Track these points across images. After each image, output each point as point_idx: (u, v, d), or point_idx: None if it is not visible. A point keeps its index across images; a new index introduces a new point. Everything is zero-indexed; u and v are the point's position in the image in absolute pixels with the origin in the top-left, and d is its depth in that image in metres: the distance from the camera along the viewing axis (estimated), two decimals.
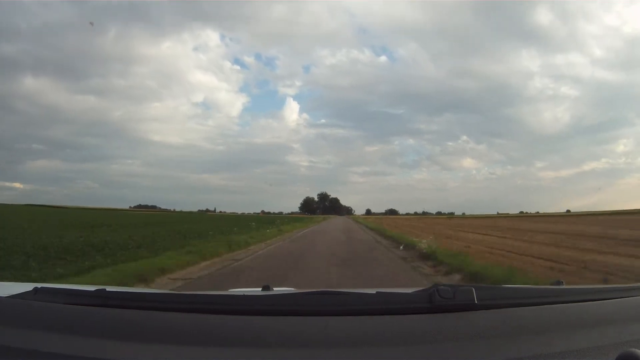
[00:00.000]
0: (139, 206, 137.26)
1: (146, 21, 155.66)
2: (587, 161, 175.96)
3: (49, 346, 0.77)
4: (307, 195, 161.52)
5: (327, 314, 0.91)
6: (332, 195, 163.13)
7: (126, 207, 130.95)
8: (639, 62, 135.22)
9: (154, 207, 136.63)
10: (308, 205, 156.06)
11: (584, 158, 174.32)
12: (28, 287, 1.03)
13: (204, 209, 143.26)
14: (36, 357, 0.75)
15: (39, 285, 1.04)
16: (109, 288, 1.09)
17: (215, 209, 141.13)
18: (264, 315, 0.91)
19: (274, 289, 1.35)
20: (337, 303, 0.97)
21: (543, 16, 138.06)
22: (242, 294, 1.08)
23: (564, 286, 1.22)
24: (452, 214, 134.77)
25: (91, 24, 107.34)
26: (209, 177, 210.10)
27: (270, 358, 0.76)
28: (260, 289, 1.36)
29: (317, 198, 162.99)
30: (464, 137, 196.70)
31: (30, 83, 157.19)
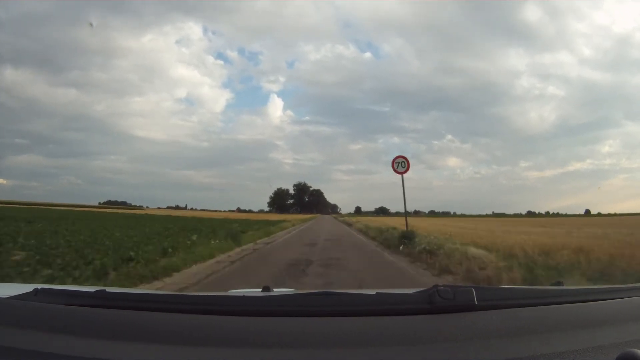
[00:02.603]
0: (108, 202, 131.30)
1: (127, 12, 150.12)
2: (571, 162, 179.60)
3: (49, 347, 0.79)
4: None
5: (327, 315, 0.93)
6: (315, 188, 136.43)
7: (96, 203, 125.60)
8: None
9: (124, 203, 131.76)
10: (280, 200, 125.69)
11: (569, 158, 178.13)
12: (28, 288, 1.04)
13: (174, 205, 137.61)
14: (36, 358, 0.76)
15: (39, 286, 1.06)
16: (108, 289, 1.11)
17: (186, 206, 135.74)
18: (264, 316, 0.94)
19: (274, 289, 1.39)
20: (337, 304, 1.00)
21: (532, 13, 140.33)
22: (242, 294, 1.11)
23: (564, 287, 1.28)
24: (447, 213, 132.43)
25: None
26: (192, 174, 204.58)
27: (270, 359, 0.78)
28: (260, 289, 1.39)
29: (294, 190, 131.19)
30: (449, 136, 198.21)
31: (10, 74, 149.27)
